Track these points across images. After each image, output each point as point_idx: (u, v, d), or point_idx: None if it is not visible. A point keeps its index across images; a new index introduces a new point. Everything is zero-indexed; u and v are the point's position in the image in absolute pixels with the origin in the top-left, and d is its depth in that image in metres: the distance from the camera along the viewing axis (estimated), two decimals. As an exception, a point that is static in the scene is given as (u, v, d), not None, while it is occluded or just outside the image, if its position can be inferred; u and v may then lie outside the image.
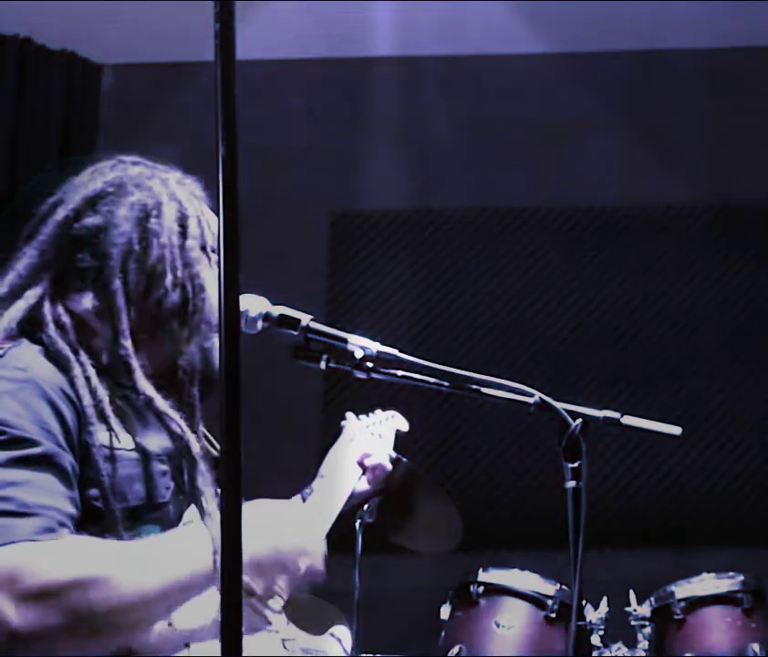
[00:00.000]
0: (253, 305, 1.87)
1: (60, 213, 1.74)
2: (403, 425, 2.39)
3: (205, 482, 1.68)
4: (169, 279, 1.72)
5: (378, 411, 2.37)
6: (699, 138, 4.90)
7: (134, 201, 1.75)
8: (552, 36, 4.86)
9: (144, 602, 1.48)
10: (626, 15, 4.69)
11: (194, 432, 1.70)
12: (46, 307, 1.68)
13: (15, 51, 4.81)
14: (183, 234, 1.77)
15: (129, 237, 1.71)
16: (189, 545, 1.58)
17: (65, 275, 1.72)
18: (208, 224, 1.82)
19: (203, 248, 1.79)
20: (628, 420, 1.86)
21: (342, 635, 1.85)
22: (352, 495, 2.18)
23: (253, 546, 1.59)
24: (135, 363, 1.67)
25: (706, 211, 4.91)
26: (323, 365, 1.87)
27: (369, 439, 2.27)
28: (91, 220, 1.73)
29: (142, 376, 1.67)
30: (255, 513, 1.63)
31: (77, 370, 1.60)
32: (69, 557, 1.45)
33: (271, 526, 1.66)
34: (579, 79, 4.98)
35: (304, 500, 2.04)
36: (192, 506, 1.68)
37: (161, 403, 1.67)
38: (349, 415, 2.32)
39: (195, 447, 1.68)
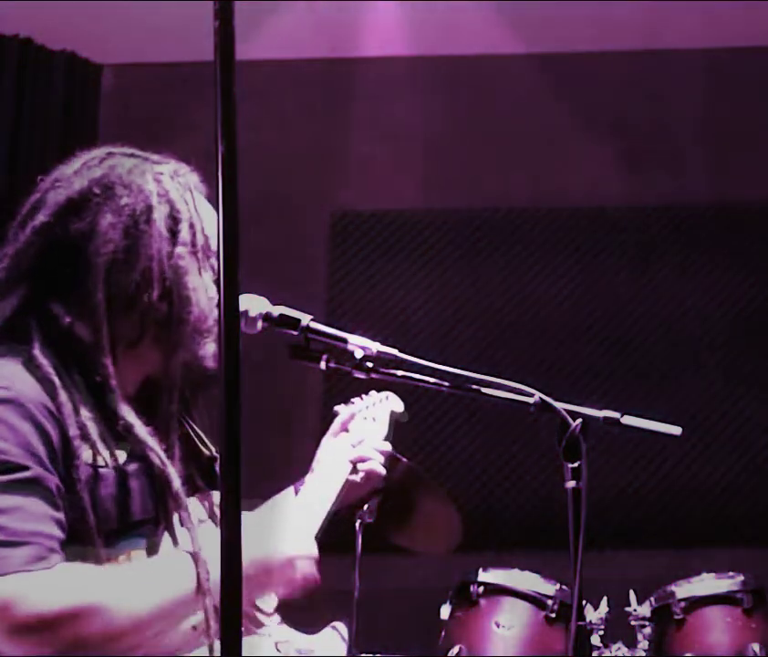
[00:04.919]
0: (253, 305, 1.84)
1: (40, 218, 1.63)
2: (398, 406, 2.30)
3: (179, 505, 1.63)
4: (155, 291, 1.63)
5: (373, 393, 2.29)
6: (699, 138, 4.91)
7: (122, 205, 1.63)
8: (552, 36, 4.85)
9: (136, 627, 1.47)
10: (626, 15, 4.69)
11: (170, 451, 1.64)
12: (31, 320, 1.60)
13: (15, 51, 4.81)
14: (173, 240, 1.67)
15: (116, 246, 1.61)
16: (178, 567, 1.56)
17: (45, 285, 1.62)
18: (201, 224, 1.73)
19: (194, 253, 1.70)
20: (628, 420, 1.85)
21: (340, 629, 1.85)
22: (346, 494, 2.07)
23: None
24: (114, 384, 1.60)
25: (706, 211, 4.91)
26: (323, 365, 1.87)
27: (362, 425, 2.18)
28: (74, 226, 1.62)
29: (121, 398, 1.61)
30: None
31: (62, 397, 1.53)
32: (61, 587, 1.44)
33: (258, 538, 1.61)
34: (579, 79, 4.98)
35: (296, 493, 2.00)
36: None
37: (141, 431, 1.61)
38: (340, 408, 2.23)
39: (175, 482, 1.63)
